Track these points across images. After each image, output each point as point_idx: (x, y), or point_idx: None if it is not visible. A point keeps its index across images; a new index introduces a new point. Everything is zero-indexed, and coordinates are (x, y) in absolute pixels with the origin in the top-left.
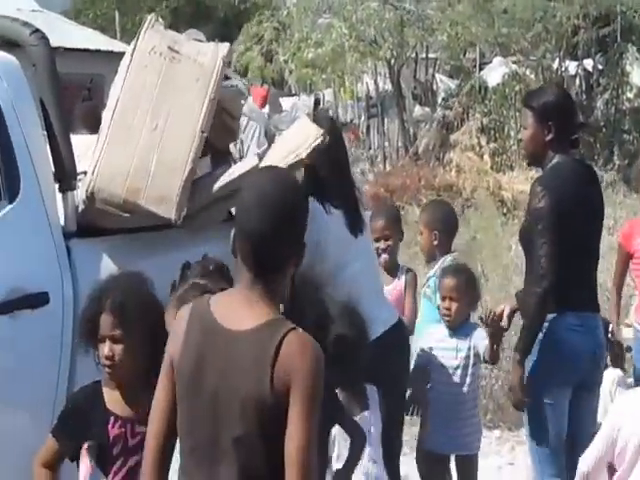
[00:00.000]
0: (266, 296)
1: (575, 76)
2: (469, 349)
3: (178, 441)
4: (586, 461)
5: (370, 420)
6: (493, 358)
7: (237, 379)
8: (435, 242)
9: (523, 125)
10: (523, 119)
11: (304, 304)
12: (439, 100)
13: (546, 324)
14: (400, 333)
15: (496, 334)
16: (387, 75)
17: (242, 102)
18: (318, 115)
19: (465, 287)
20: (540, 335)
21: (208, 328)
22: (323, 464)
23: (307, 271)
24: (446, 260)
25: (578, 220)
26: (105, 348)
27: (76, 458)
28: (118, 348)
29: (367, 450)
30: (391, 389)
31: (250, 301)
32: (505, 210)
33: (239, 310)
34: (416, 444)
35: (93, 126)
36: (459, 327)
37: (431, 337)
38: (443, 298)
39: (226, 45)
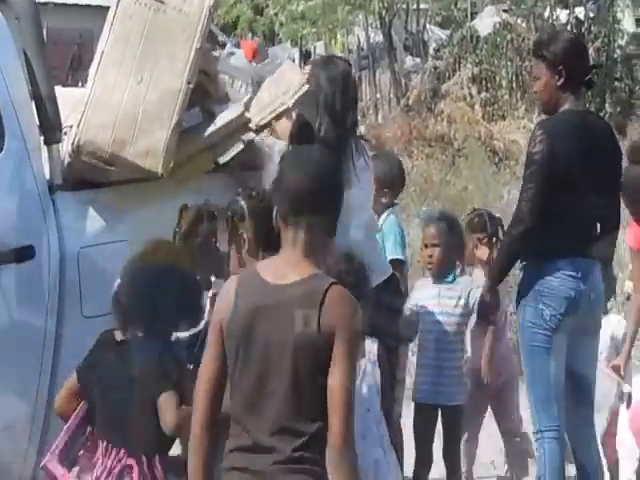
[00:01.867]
0: (308, 256)
1: (566, 24)
2: (459, 298)
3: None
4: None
5: (366, 370)
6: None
7: (288, 324)
8: (384, 199)
9: (535, 75)
10: (534, 69)
11: None
12: (430, 51)
13: (538, 270)
14: (394, 285)
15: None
16: (378, 27)
17: (215, 58)
18: (326, 59)
19: (447, 232)
20: (533, 281)
21: (257, 286)
22: None
23: None
24: (390, 217)
25: (575, 170)
26: None
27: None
28: None
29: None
30: (387, 340)
31: (293, 261)
32: (497, 160)
33: (285, 269)
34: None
35: None
36: (444, 276)
37: (415, 289)
38: (425, 246)
39: None
